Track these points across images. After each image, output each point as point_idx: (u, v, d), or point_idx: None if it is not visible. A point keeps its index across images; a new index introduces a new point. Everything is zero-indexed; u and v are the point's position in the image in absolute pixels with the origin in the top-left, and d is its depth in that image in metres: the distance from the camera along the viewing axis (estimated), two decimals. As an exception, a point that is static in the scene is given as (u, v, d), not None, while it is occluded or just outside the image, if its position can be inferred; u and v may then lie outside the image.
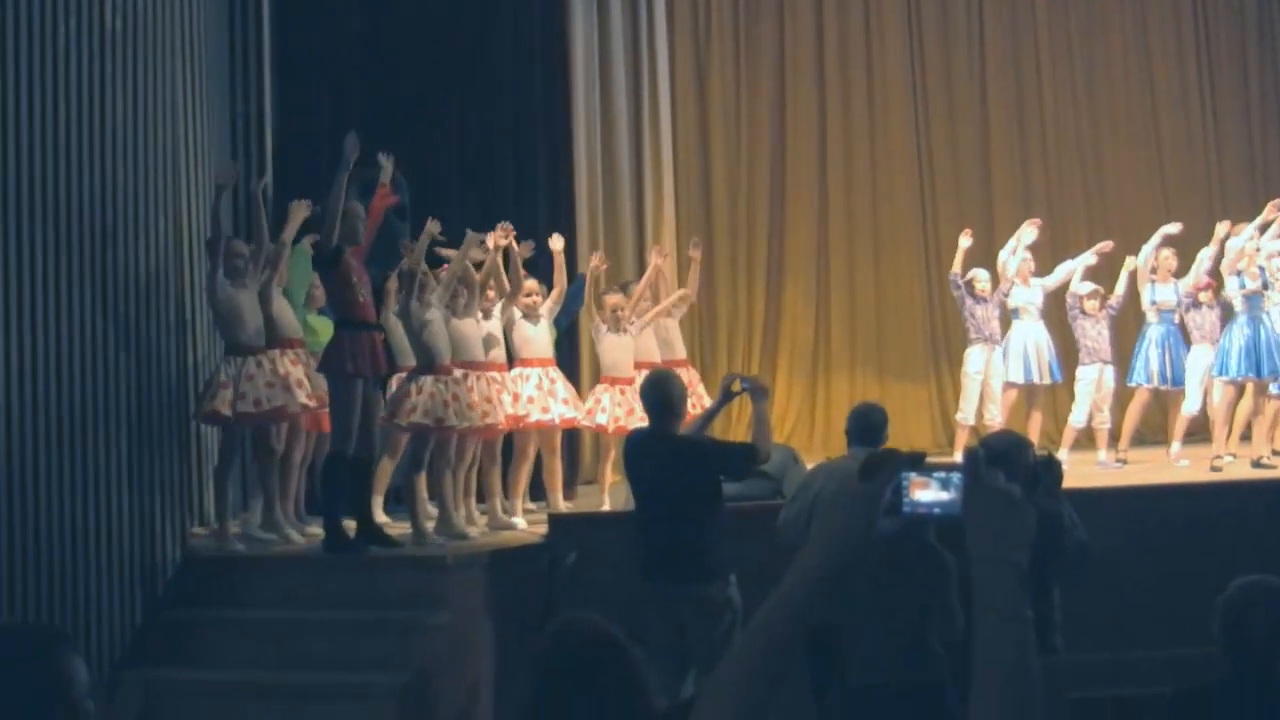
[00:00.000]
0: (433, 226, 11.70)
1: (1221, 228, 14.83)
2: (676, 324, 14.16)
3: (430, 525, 11.01)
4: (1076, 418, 15.18)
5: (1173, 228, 15.27)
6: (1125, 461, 15.06)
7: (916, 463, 2.85)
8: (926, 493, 2.82)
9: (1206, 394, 14.85)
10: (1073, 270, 15.26)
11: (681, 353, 14.14)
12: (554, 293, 12.70)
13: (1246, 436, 14.72)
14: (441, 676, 9.81)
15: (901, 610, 7.70)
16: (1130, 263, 15.24)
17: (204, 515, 11.61)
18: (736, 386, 9.92)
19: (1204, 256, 14.86)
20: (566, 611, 5.17)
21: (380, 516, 11.16)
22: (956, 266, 15.05)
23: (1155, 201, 18.93)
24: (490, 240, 11.97)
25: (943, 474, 2.83)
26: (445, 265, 11.84)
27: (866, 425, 9.43)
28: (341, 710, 9.33)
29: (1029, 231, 15.32)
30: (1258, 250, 14.62)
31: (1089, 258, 15.32)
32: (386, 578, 10.35)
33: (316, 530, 10.79)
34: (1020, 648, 2.66)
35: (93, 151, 9.92)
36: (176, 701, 9.69)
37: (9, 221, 8.99)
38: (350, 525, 10.50)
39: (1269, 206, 14.91)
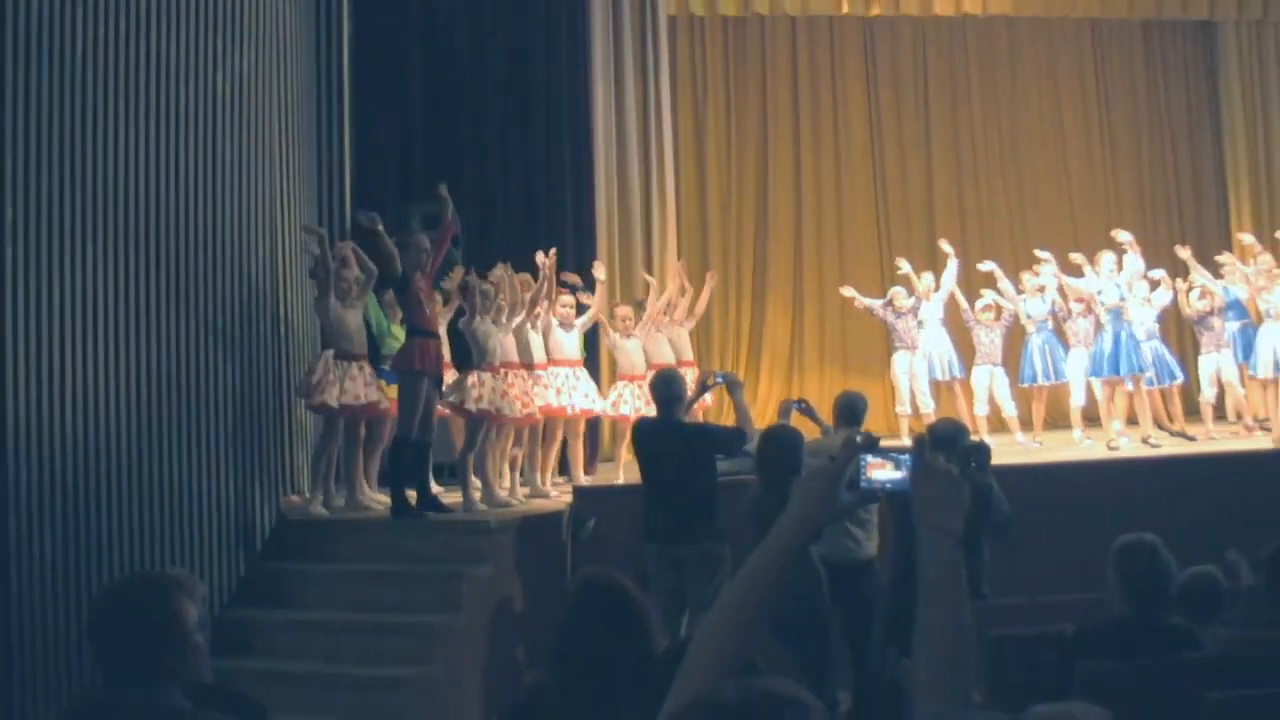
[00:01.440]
0: (552, 259, 12.22)
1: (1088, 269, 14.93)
2: (687, 333, 14.30)
3: (477, 496, 11.08)
4: (977, 409, 15.25)
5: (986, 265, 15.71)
6: (1041, 443, 15.10)
7: (873, 445, 2.91)
8: (881, 471, 2.87)
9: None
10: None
11: (689, 355, 14.27)
12: (591, 310, 12.81)
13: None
14: (484, 616, 9.87)
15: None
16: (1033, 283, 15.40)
17: (297, 487, 11.68)
18: (711, 380, 10.20)
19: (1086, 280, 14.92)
20: (587, 566, 5.22)
21: (435, 488, 11.21)
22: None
23: (1064, 221, 19.21)
24: (539, 260, 12.14)
25: (895, 456, 2.88)
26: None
27: (850, 410, 9.64)
28: (406, 644, 9.38)
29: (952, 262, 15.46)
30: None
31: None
32: (441, 538, 10.40)
33: (386, 500, 10.84)
34: (955, 596, 2.73)
35: (203, 196, 10.01)
36: (271, 637, 9.74)
37: (139, 256, 9.11)
38: (411, 496, 10.57)
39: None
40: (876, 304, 15.52)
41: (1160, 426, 15.07)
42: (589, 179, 14.69)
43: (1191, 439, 14.75)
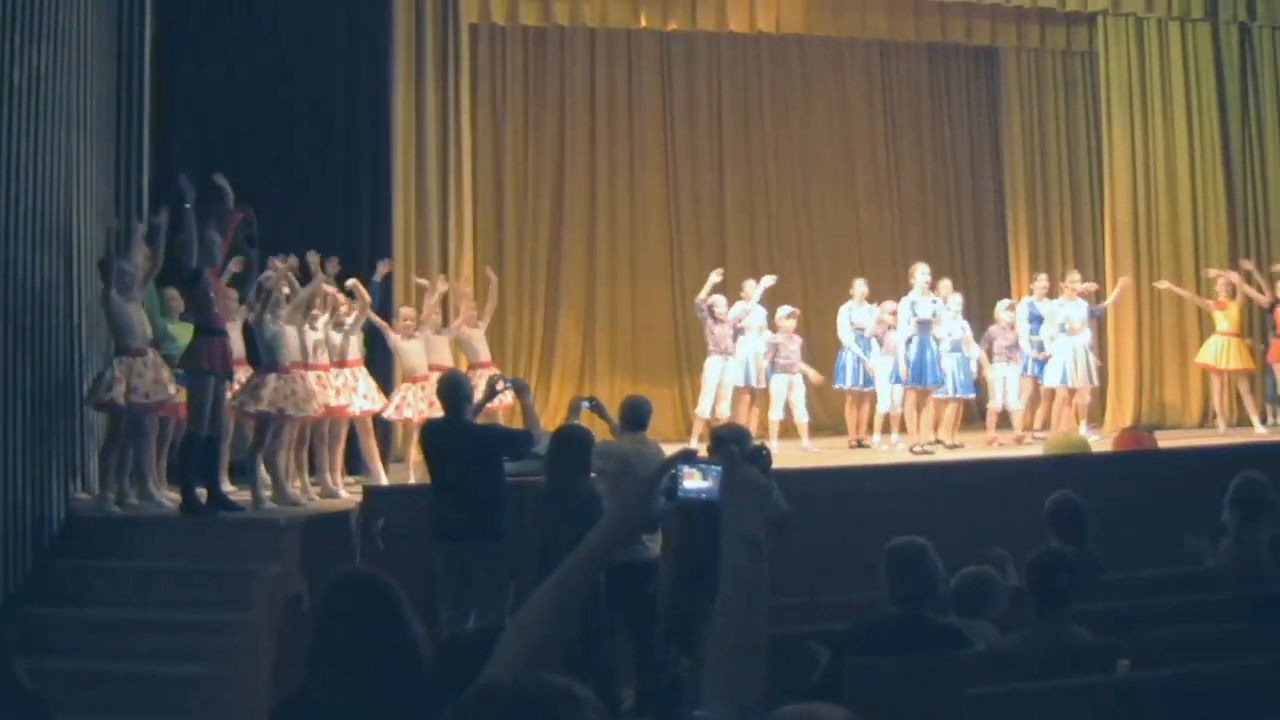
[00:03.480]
0: (332, 267, 12.32)
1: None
2: (481, 333, 14.35)
3: (268, 494, 11.02)
4: (774, 414, 15.51)
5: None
6: (865, 445, 15.67)
7: (689, 457, 2.99)
8: (694, 482, 2.97)
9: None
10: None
11: (486, 356, 14.37)
12: (357, 312, 12.72)
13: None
14: (274, 614, 9.81)
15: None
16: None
17: (87, 483, 11.51)
18: (500, 385, 10.27)
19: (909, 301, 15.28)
20: (358, 563, 5.25)
21: (226, 486, 11.13)
22: (703, 294, 15.37)
23: (850, 239, 19.56)
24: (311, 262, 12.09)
25: (706, 466, 2.97)
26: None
27: (635, 414, 9.72)
28: (196, 642, 9.30)
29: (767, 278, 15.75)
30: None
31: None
32: (231, 536, 10.35)
33: (177, 497, 10.73)
34: (753, 599, 2.83)
35: (-2, 188, 9.83)
36: (60, 635, 9.58)
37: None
38: (202, 493, 10.48)
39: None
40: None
41: (939, 440, 15.45)
42: (387, 183, 14.66)
43: (959, 446, 15.16)
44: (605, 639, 8.47)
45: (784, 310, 15.74)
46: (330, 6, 14.24)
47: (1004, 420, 16.23)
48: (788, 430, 15.75)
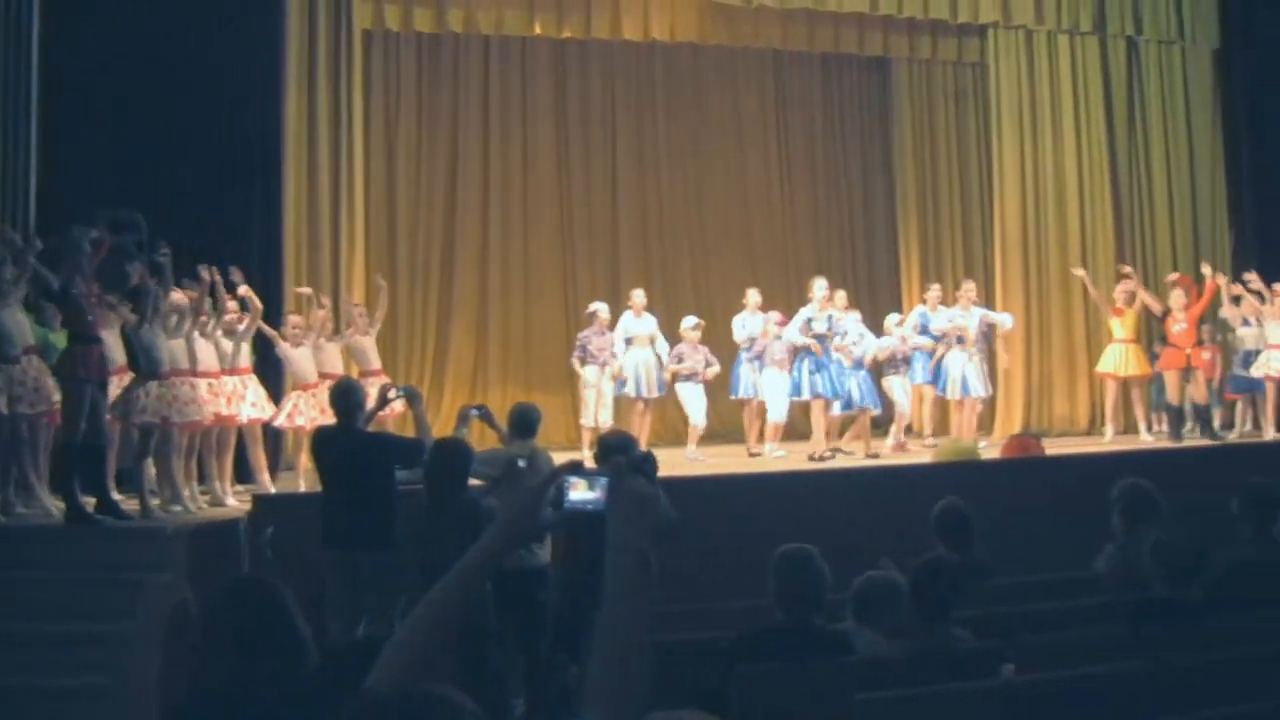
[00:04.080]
0: (236, 275, 12.42)
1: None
2: (372, 340, 14.37)
3: (156, 503, 10.91)
4: (696, 418, 15.58)
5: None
6: (760, 455, 15.64)
7: (576, 468, 3.00)
8: (581, 492, 2.98)
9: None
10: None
11: (377, 364, 14.38)
12: (248, 320, 12.72)
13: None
14: (159, 623, 9.70)
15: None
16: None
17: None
18: (392, 394, 10.23)
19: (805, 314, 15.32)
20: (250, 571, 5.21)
21: (114, 494, 11.01)
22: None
23: (743, 247, 19.67)
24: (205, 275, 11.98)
25: (593, 477, 2.97)
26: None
27: (524, 421, 9.71)
28: (82, 652, 9.18)
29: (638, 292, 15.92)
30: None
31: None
32: (118, 545, 10.23)
33: (64, 505, 10.61)
34: (636, 608, 2.84)
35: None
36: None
37: None
38: (90, 502, 10.37)
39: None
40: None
41: (838, 449, 15.54)
42: (278, 190, 14.58)
43: (850, 453, 15.26)
44: (495, 647, 8.45)
45: (689, 321, 15.80)
46: (222, 13, 14.10)
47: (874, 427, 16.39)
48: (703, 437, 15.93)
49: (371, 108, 17.49)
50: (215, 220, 13.71)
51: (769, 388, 15.58)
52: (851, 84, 20.66)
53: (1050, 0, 18.69)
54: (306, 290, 14.54)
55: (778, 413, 15.51)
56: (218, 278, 12.17)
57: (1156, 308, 16.58)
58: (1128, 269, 17.30)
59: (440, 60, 18.48)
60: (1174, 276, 17.11)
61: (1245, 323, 16.58)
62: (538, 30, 17.55)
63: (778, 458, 15.28)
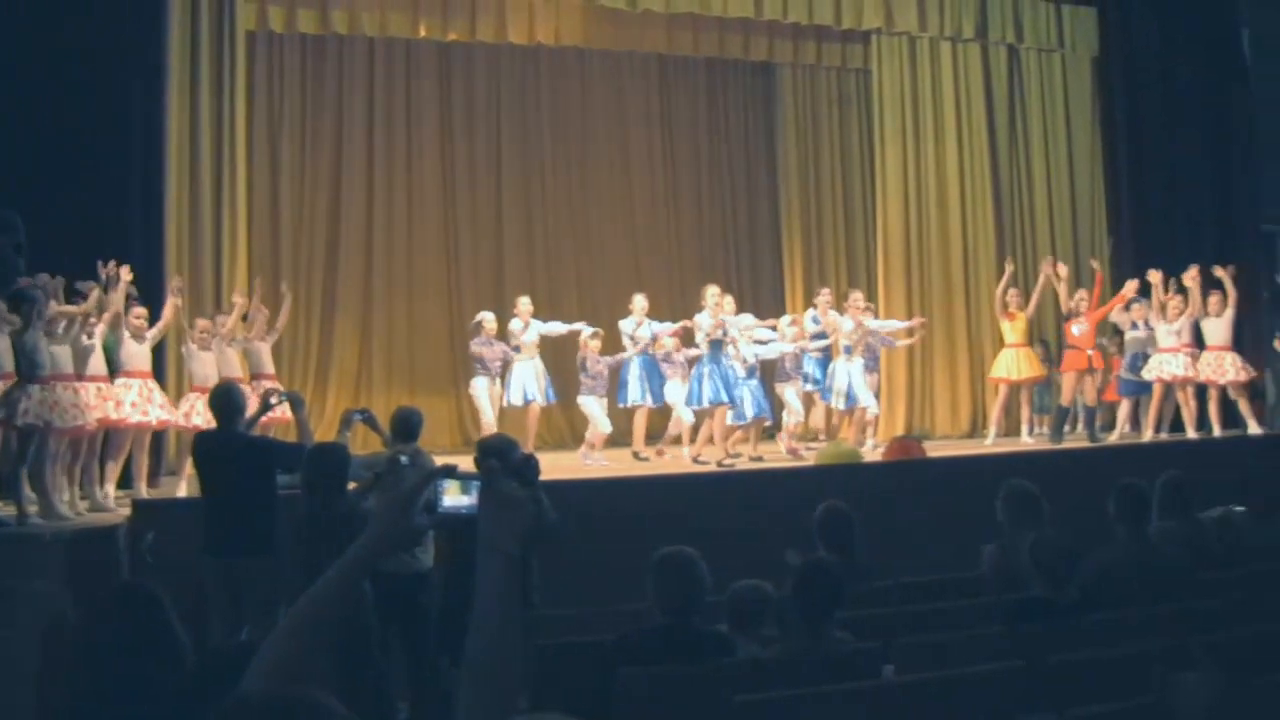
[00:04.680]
0: (125, 274, 12.13)
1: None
2: (268, 347, 14.42)
3: (34, 510, 10.74)
4: (604, 428, 15.56)
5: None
6: (648, 459, 15.72)
7: (450, 472, 2.99)
8: (455, 497, 2.98)
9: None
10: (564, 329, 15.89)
11: (270, 368, 14.38)
12: (160, 323, 12.70)
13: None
14: (37, 631, 9.55)
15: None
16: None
17: None
18: (275, 399, 10.18)
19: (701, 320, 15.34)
20: (130, 578, 5.16)
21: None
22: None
23: (628, 251, 19.75)
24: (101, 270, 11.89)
25: (467, 481, 2.97)
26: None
27: (405, 425, 9.68)
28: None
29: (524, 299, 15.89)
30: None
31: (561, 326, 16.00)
32: (-6, 551, 10.09)
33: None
34: (506, 612, 2.84)
35: None
36: None
37: None
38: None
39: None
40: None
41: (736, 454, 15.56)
42: (159, 194, 14.37)
43: (738, 456, 15.30)
44: (379, 651, 8.41)
45: (588, 330, 15.79)
46: (102, 14, 13.91)
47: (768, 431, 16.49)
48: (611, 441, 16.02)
49: (255, 109, 17.33)
50: (95, 221, 13.50)
51: (671, 395, 15.64)
52: (736, 89, 20.78)
53: (933, 7, 18.86)
54: (241, 299, 14.48)
55: (686, 417, 15.52)
56: (127, 275, 12.10)
57: (1066, 305, 16.67)
58: (1058, 267, 17.34)
59: (324, 62, 18.39)
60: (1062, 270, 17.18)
61: (1135, 326, 16.80)
62: (423, 33, 17.45)
63: (668, 459, 15.34)
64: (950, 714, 5.61)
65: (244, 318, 14.02)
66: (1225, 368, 15.97)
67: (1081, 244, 19.57)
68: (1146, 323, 16.54)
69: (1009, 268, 17.29)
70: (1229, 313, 16.03)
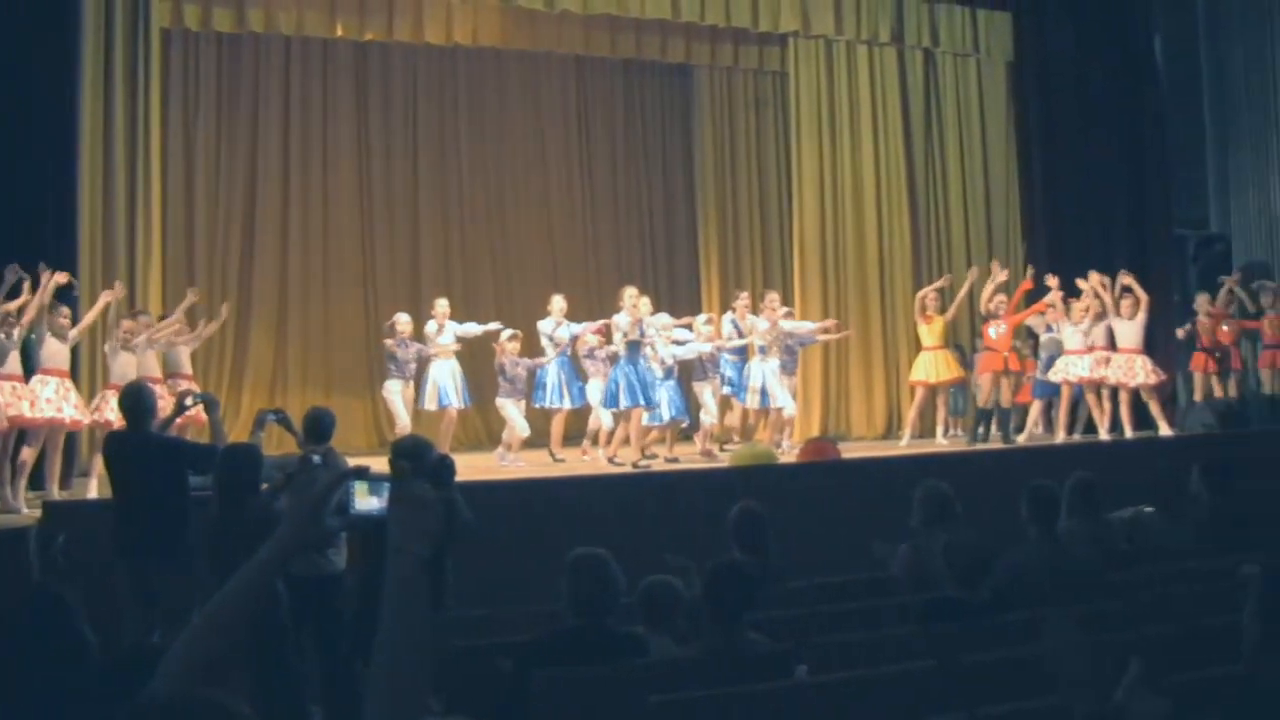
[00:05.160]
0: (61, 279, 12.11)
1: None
2: (188, 350, 14.52)
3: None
4: (521, 430, 15.50)
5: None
6: (564, 460, 15.72)
7: (361, 474, 2.98)
8: (366, 499, 2.97)
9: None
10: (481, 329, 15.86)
11: (188, 369, 14.46)
12: (83, 322, 12.72)
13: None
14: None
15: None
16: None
17: None
18: (190, 401, 10.10)
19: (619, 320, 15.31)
20: (40, 580, 5.12)
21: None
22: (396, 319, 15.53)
23: (544, 251, 19.75)
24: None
25: (377, 483, 2.96)
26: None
27: (317, 425, 9.61)
28: None
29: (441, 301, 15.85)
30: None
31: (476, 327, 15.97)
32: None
33: None
34: (415, 613, 2.84)
35: None
36: None
37: None
38: None
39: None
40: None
41: (650, 455, 15.55)
42: (72, 193, 14.22)
43: (654, 457, 15.31)
44: (293, 654, 8.36)
45: (506, 332, 15.74)
46: (13, 10, 13.75)
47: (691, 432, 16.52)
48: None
49: (170, 107, 17.18)
50: (5, 218, 13.37)
51: (592, 395, 15.64)
52: (654, 90, 20.81)
53: (849, 11, 18.92)
54: (192, 298, 14.48)
55: (605, 420, 15.52)
56: (61, 279, 12.10)
57: (985, 306, 16.72)
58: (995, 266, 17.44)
59: (240, 60, 18.25)
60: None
61: (1049, 329, 16.96)
62: (339, 32, 17.34)
63: (586, 460, 15.36)
64: (862, 714, 5.65)
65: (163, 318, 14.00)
66: (1136, 370, 16.13)
67: (996, 247, 19.70)
68: (1057, 325, 16.73)
69: (944, 281, 17.45)
70: (1141, 316, 16.19)
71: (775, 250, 20.38)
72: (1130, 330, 16.24)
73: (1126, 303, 16.26)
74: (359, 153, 18.89)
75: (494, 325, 15.85)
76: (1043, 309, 16.94)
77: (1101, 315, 16.28)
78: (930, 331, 16.83)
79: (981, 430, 16.82)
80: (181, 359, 14.25)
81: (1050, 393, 16.91)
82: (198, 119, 17.96)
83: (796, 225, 19.22)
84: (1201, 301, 17.92)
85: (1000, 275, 16.87)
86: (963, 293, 17.09)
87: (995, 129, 20.05)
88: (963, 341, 18.28)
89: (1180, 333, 18.22)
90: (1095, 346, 16.23)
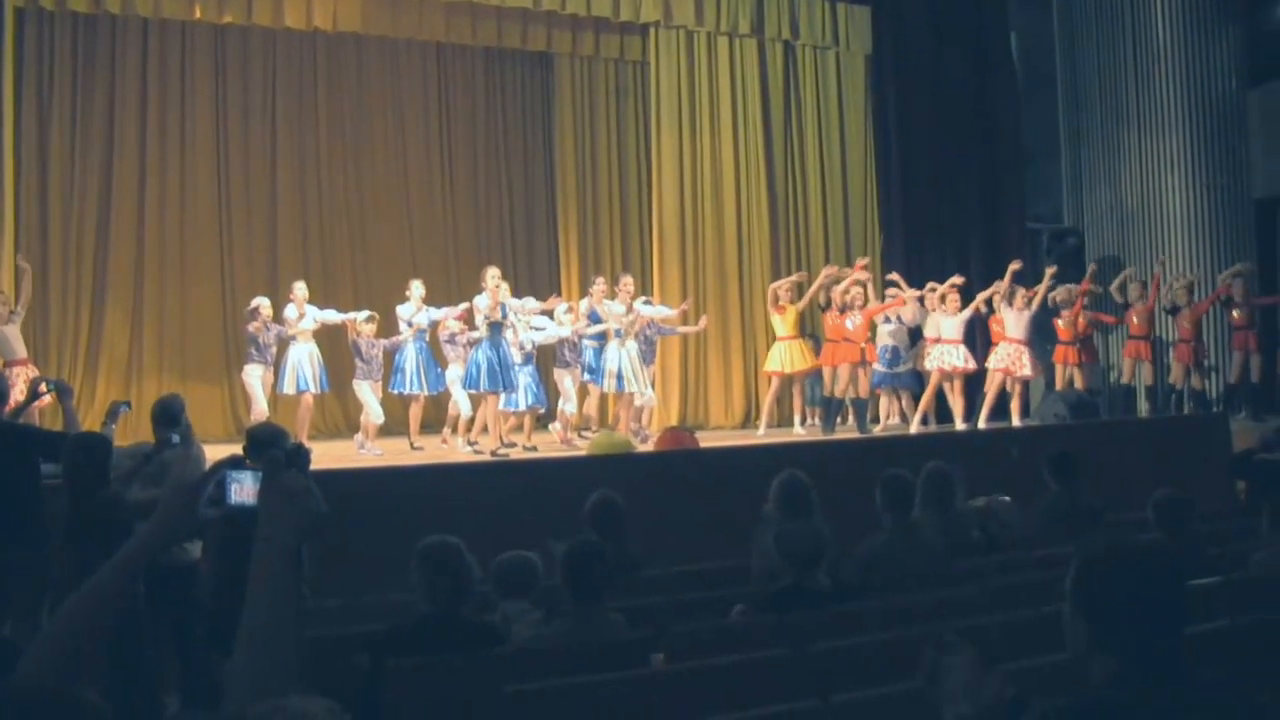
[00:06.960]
0: None
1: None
2: (16, 329, 14.07)
3: None
4: (375, 417, 15.46)
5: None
6: (422, 448, 15.62)
7: (238, 464, 2.97)
8: (242, 489, 2.96)
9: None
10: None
11: (23, 353, 14.07)
12: None
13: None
14: None
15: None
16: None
17: None
18: (44, 388, 9.96)
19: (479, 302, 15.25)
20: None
21: None
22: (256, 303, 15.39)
23: (404, 239, 19.67)
24: None
25: (250, 472, 2.95)
26: None
27: (166, 413, 9.48)
28: None
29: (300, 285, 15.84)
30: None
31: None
32: None
33: None
34: (282, 602, 2.83)
35: None
36: None
37: None
38: None
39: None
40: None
41: (509, 443, 15.53)
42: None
43: (512, 447, 15.29)
44: (149, 645, 8.27)
45: (362, 314, 15.68)
46: None
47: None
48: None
49: (23, 89, 16.94)
50: None
51: (451, 382, 15.61)
52: (515, 78, 20.75)
53: (710, 3, 19.08)
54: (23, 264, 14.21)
55: (464, 407, 15.50)
56: None
57: (841, 299, 16.86)
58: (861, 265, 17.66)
59: (96, 42, 17.90)
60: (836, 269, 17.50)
61: (886, 320, 17.21)
62: (198, 15, 17.15)
63: (444, 448, 15.33)
64: (716, 701, 5.68)
65: None
66: (1024, 362, 16.55)
67: (853, 237, 19.96)
68: (899, 318, 17.05)
69: (799, 276, 17.61)
70: (1030, 309, 16.68)
71: (635, 238, 20.45)
72: (1019, 321, 16.65)
73: (1020, 294, 16.78)
74: (217, 137, 18.63)
75: (354, 315, 15.75)
76: (901, 304, 17.20)
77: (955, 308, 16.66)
78: (784, 321, 16.97)
79: (839, 420, 17.02)
80: (13, 345, 13.98)
81: (887, 383, 17.31)
82: (52, 102, 17.61)
83: (656, 214, 19.33)
84: (1060, 293, 18.22)
85: (863, 275, 17.09)
86: (817, 284, 17.19)
87: (854, 121, 20.29)
88: (819, 333, 18.43)
89: (1111, 320, 18.84)
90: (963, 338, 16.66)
